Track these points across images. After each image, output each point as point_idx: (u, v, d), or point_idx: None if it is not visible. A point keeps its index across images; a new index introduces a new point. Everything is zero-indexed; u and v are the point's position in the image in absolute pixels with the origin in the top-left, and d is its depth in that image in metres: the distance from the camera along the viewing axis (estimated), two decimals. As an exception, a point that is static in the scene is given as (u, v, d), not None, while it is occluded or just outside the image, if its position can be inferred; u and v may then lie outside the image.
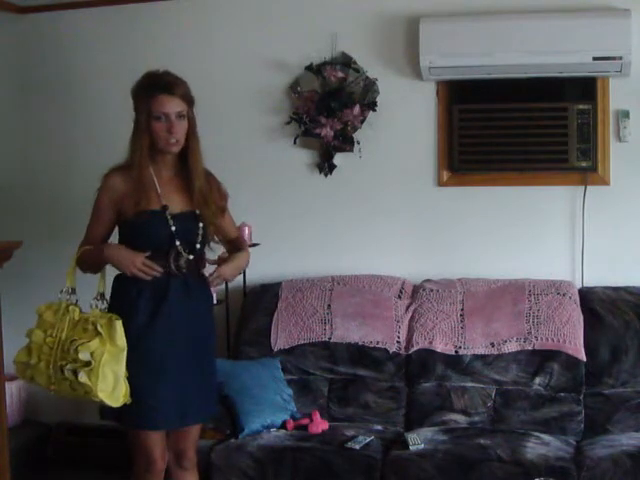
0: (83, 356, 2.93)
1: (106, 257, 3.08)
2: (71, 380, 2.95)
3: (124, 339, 2.98)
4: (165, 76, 3.11)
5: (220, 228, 3.27)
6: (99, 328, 2.96)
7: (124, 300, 3.10)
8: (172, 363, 3.07)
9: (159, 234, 3.08)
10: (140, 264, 3.03)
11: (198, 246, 3.14)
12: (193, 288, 3.14)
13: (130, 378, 3.01)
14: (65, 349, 2.97)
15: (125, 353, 2.98)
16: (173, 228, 3.08)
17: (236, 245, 3.36)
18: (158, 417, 3.08)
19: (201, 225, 3.14)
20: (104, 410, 3.09)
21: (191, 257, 3.10)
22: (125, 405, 3.00)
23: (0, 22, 4.57)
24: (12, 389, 4.36)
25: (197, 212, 3.14)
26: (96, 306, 3.07)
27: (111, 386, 2.95)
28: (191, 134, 3.13)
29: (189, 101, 3.13)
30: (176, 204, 3.13)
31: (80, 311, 3.05)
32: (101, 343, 2.95)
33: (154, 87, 3.07)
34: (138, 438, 3.12)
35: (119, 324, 2.98)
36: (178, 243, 3.08)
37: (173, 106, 3.05)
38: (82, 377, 2.93)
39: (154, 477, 3.16)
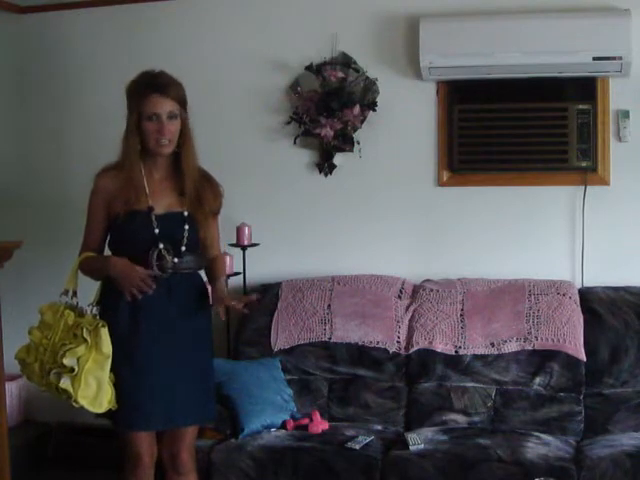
0: (68, 362, 2.94)
1: (111, 276, 3.06)
2: (55, 384, 2.97)
3: (110, 346, 2.99)
4: (159, 76, 3.09)
5: (206, 232, 3.20)
6: (85, 334, 2.96)
7: (108, 302, 3.10)
8: (156, 364, 3.06)
9: (143, 235, 3.06)
10: (138, 281, 2.99)
11: (183, 248, 3.09)
12: (177, 290, 3.10)
13: (114, 379, 3.02)
14: (55, 353, 2.98)
15: (110, 360, 2.99)
16: (157, 230, 3.06)
17: (213, 267, 3.27)
18: (141, 418, 3.07)
19: (187, 227, 3.10)
20: None
21: (176, 260, 3.07)
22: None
23: (0, 22, 4.57)
24: (12, 389, 4.37)
25: (185, 214, 3.11)
26: (91, 311, 3.08)
27: (93, 393, 2.97)
28: (184, 135, 3.10)
29: (182, 102, 3.10)
30: (163, 205, 3.11)
31: (76, 315, 3.04)
32: (87, 350, 2.96)
33: (147, 87, 3.05)
34: (126, 434, 3.13)
35: (105, 331, 2.98)
36: (161, 245, 3.05)
37: (165, 106, 3.04)
38: (63, 383, 2.95)
39: (142, 472, 3.16)
